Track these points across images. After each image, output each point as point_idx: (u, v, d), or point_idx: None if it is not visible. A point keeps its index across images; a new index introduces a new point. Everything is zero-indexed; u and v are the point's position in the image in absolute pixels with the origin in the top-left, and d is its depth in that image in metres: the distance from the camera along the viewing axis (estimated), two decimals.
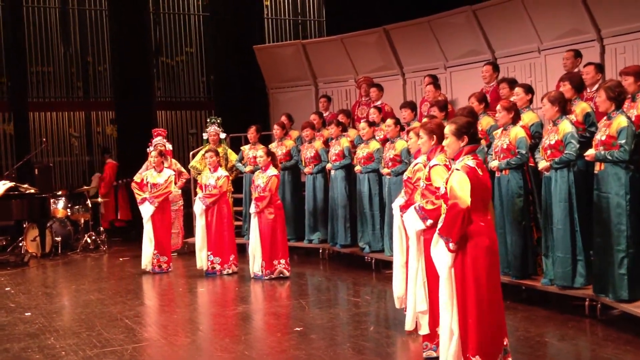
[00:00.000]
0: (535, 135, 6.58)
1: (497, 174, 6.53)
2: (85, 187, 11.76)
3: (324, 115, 10.31)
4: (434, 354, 4.94)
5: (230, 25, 13.96)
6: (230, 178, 9.59)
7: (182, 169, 10.47)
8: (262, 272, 8.17)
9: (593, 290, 5.87)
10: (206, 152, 9.14)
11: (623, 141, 5.45)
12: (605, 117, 5.70)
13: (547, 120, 6.29)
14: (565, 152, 5.93)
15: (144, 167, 9.79)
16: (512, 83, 7.36)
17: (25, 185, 10.37)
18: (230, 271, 8.63)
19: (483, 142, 6.67)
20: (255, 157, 9.47)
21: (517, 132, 6.41)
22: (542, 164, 6.12)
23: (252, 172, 9.45)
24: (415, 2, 11.02)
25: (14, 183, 6.19)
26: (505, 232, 6.48)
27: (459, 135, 4.50)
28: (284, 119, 10.32)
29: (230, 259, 8.68)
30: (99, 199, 11.66)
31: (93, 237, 11.17)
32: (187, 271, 9.06)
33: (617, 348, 5.17)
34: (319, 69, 11.85)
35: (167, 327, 6.54)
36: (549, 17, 8.50)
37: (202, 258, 8.68)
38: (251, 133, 10.01)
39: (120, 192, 12.14)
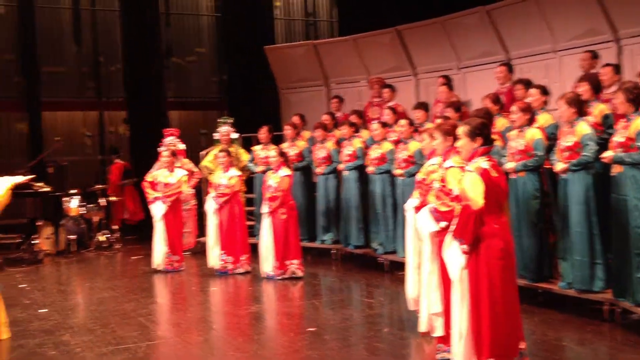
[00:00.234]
0: (551, 136, 6.54)
1: (511, 176, 6.50)
2: (97, 186, 11.82)
3: (336, 115, 10.31)
4: (448, 356, 4.90)
5: (241, 26, 13.98)
6: (242, 178, 9.61)
7: (194, 169, 10.49)
8: (274, 272, 8.17)
9: (612, 294, 5.82)
10: (219, 152, 9.16)
11: None
12: (623, 119, 5.66)
13: (563, 121, 6.25)
14: (583, 153, 5.90)
15: (155, 166, 9.82)
16: (527, 84, 7.33)
17: (40, 184, 10.43)
18: (242, 270, 8.64)
19: (498, 143, 6.64)
20: (267, 158, 9.51)
21: (534, 134, 6.38)
22: (559, 166, 6.08)
23: (264, 172, 9.45)
24: (428, 2, 11.00)
25: (33, 176, 6.23)
26: (521, 235, 6.44)
27: (473, 137, 4.48)
28: (295, 119, 10.32)
29: (243, 258, 8.68)
30: (113, 198, 11.71)
31: (106, 236, 11.22)
32: (200, 270, 9.08)
33: (637, 353, 5.13)
34: (331, 69, 11.84)
35: (180, 325, 6.56)
36: (565, 18, 8.46)
37: (214, 257, 8.70)
38: (263, 133, 10.01)
39: (127, 192, 12.15)
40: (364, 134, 9.37)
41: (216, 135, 10.49)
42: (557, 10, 8.52)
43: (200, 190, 10.78)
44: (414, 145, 7.97)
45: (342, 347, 5.52)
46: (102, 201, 11.39)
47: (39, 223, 10.52)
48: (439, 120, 7.07)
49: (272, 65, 12.41)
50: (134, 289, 8.02)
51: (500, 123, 7.11)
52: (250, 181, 10.23)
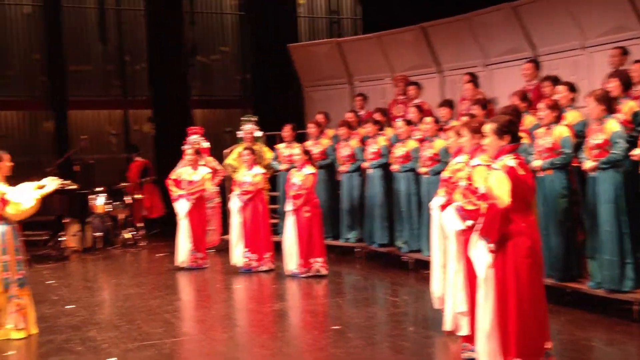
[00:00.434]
0: (579, 134, 6.45)
1: (539, 174, 6.42)
2: (123, 184, 11.92)
3: (360, 113, 10.28)
4: (473, 355, 4.85)
5: (265, 24, 14.01)
6: (266, 176, 9.62)
7: (218, 167, 10.53)
8: (299, 270, 8.17)
9: None
10: (243, 149, 9.19)
11: None
12: None
13: (592, 119, 6.16)
14: (613, 151, 5.81)
15: (180, 164, 9.87)
16: (555, 81, 7.24)
17: (67, 181, 10.54)
18: (266, 268, 8.65)
19: (525, 141, 6.55)
20: (290, 156, 9.51)
21: (562, 131, 6.30)
22: (588, 164, 6.00)
23: (288, 170, 9.46)
24: None
25: (60, 181, 6.31)
26: (549, 234, 6.36)
27: (500, 134, 4.45)
28: (319, 117, 10.30)
29: (266, 256, 8.69)
30: (138, 195, 11.80)
31: (132, 233, 11.32)
32: (224, 267, 9.11)
33: None
34: (355, 67, 11.81)
35: (205, 322, 6.60)
36: (593, 14, 8.34)
37: (237, 254, 8.72)
38: (286, 131, 10.01)
39: (145, 189, 12.23)
40: (388, 131, 9.32)
41: (240, 134, 10.51)
42: (586, 6, 8.40)
43: (224, 188, 10.82)
44: (439, 143, 7.92)
45: (366, 345, 5.51)
46: (128, 199, 11.50)
47: (66, 220, 10.64)
48: (464, 118, 7.01)
49: (296, 63, 12.41)
50: (159, 286, 8.08)
51: (528, 120, 7.02)
52: (274, 179, 10.24)
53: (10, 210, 5.85)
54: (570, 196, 6.37)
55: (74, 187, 10.49)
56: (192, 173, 9.21)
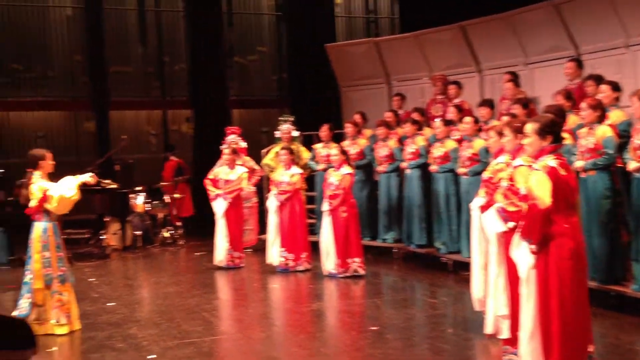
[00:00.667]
0: (623, 134, 6.30)
1: (581, 175, 6.30)
2: (162, 184, 12.07)
3: (398, 113, 10.22)
4: (515, 358, 4.80)
5: (302, 24, 14.05)
6: (304, 176, 9.63)
7: (256, 166, 10.58)
8: (336, 270, 8.16)
9: None
10: (281, 149, 9.21)
11: None
12: None
13: (636, 118, 6.01)
14: None
15: (218, 164, 9.95)
16: (598, 80, 7.09)
17: (107, 181, 10.72)
18: (303, 268, 8.66)
19: (568, 141, 6.43)
20: (328, 156, 9.49)
21: (605, 131, 6.17)
22: (633, 165, 5.86)
23: (325, 170, 9.45)
24: None
25: (94, 180, 6.41)
26: (591, 235, 6.23)
27: (542, 135, 4.39)
28: (357, 117, 10.27)
29: (303, 256, 8.70)
30: (176, 195, 11.93)
31: (170, 232, 11.45)
32: (261, 267, 9.15)
33: None
34: (392, 66, 11.75)
35: (243, 321, 6.64)
36: (637, 11, 8.14)
37: (274, 254, 8.75)
38: (324, 131, 10.01)
39: (179, 189, 12.35)
40: (427, 131, 9.25)
41: (277, 133, 10.54)
42: (630, 4, 8.21)
43: (262, 187, 10.87)
44: (478, 143, 7.82)
45: (405, 346, 5.47)
46: (167, 198, 11.63)
47: (107, 219, 10.82)
48: (505, 118, 6.91)
49: (333, 63, 12.40)
50: (198, 285, 8.15)
51: (571, 120, 6.89)
52: (310, 179, 10.25)
53: (53, 204, 5.96)
54: (613, 197, 6.24)
55: (114, 186, 10.67)
56: (229, 172, 9.27)
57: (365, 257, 8.40)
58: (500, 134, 5.38)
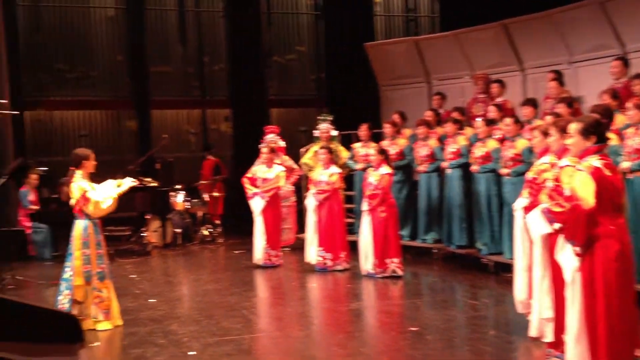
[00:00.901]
0: None
1: (628, 176, 6.15)
2: (201, 182, 12.19)
3: (439, 112, 10.12)
4: None
5: (341, 23, 14.03)
6: (342, 175, 9.60)
7: (294, 166, 10.60)
8: (374, 270, 8.12)
9: None
10: (320, 148, 9.20)
11: None
12: None
13: None
14: None
15: (256, 163, 9.99)
16: None
17: (148, 179, 10.87)
18: (341, 267, 8.64)
19: (614, 142, 6.28)
20: (366, 155, 9.47)
21: None
22: None
23: (364, 169, 9.42)
24: None
25: (136, 181, 6.53)
26: (638, 237, 6.07)
27: (586, 135, 4.33)
28: (396, 117, 10.21)
29: (341, 255, 8.68)
30: (215, 194, 12.02)
31: (209, 230, 11.54)
32: (299, 266, 9.16)
33: None
34: (432, 65, 11.65)
35: (282, 319, 6.64)
36: None
37: (312, 253, 8.75)
38: (363, 131, 9.97)
39: (217, 188, 12.45)
40: (468, 131, 9.15)
41: (316, 133, 10.55)
42: None
43: (300, 187, 10.89)
44: (521, 143, 7.69)
45: (445, 347, 5.41)
46: (205, 196, 11.73)
47: (148, 217, 10.96)
48: (549, 117, 6.79)
49: (372, 62, 12.35)
50: (237, 283, 8.19)
51: (618, 120, 6.72)
52: (349, 178, 10.22)
53: (90, 207, 6.06)
54: None
55: (155, 184, 10.81)
56: (266, 171, 9.29)
57: (403, 258, 8.34)
58: (545, 133, 5.30)
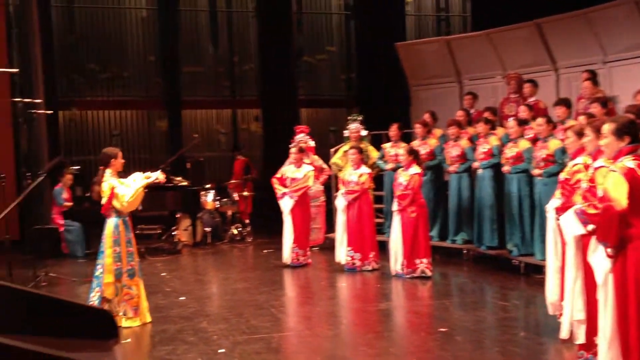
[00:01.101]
0: None
1: None
2: (231, 181, 12.26)
3: (470, 112, 10.04)
4: None
5: (372, 23, 13.99)
6: (372, 175, 9.58)
7: (324, 165, 10.60)
8: (403, 270, 8.08)
9: None
10: (350, 148, 9.19)
11: None
12: None
13: None
14: None
15: (286, 163, 10.02)
16: None
17: (179, 178, 10.98)
18: (370, 268, 8.62)
19: None
20: (396, 155, 9.43)
21: None
22: None
23: (393, 169, 9.39)
24: None
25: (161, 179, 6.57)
26: None
27: (620, 135, 4.27)
28: (426, 116, 10.15)
29: (371, 255, 8.66)
30: (245, 193, 12.09)
31: (239, 229, 11.61)
32: (328, 266, 9.16)
33: None
34: (464, 65, 11.56)
35: (311, 318, 6.65)
36: None
37: (342, 253, 8.74)
38: (393, 131, 9.94)
39: (247, 187, 12.50)
40: (499, 131, 9.06)
41: (346, 133, 10.53)
42: None
43: (330, 186, 10.89)
44: (554, 144, 7.59)
45: (475, 349, 5.36)
46: (235, 196, 11.80)
47: (178, 215, 11.07)
48: (582, 118, 6.70)
49: (403, 61, 12.30)
50: (266, 281, 8.22)
51: None
52: (378, 178, 10.20)
53: (118, 203, 6.13)
54: None
55: (185, 183, 10.91)
56: (295, 171, 9.31)
57: (433, 258, 8.30)
58: (579, 134, 5.22)
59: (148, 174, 6.36)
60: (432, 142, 9.76)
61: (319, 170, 10.36)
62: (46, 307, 3.15)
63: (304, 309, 7.16)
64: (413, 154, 8.35)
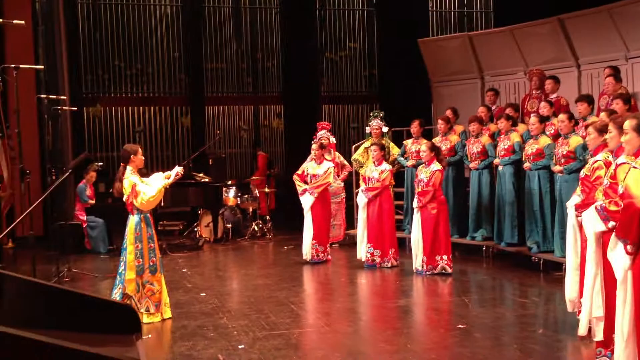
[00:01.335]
0: None
1: None
2: (252, 178, 12.34)
3: (492, 109, 9.99)
4: None
5: (395, 19, 13.95)
6: (392, 172, 9.59)
7: (345, 162, 10.63)
8: (423, 267, 8.09)
9: None
10: (371, 145, 9.21)
11: None
12: None
13: None
14: None
15: (308, 159, 10.06)
16: None
17: (201, 174, 11.07)
18: (389, 264, 8.63)
19: None
20: (418, 152, 9.42)
21: None
22: None
23: (414, 166, 9.39)
24: None
25: (183, 169, 6.60)
26: None
27: None
28: (448, 113, 10.12)
29: (390, 252, 8.68)
30: (266, 189, 12.16)
31: (259, 225, 11.68)
32: (348, 262, 9.19)
33: None
34: (486, 61, 11.50)
35: (330, 315, 6.67)
36: None
37: (363, 250, 8.77)
38: (414, 127, 9.94)
39: (271, 182, 12.57)
40: (521, 127, 9.00)
41: (367, 129, 10.54)
42: None
43: (351, 183, 10.91)
44: (575, 140, 7.53)
45: (493, 345, 5.36)
46: (257, 192, 11.87)
47: (200, 212, 11.16)
48: (603, 114, 6.64)
49: (425, 58, 12.26)
50: (286, 278, 8.27)
51: None
52: (399, 175, 10.20)
53: (138, 201, 6.21)
54: None
55: (207, 180, 11.00)
56: (315, 167, 9.34)
57: (453, 255, 8.29)
58: (600, 131, 5.19)
59: (168, 173, 6.42)
60: (454, 138, 9.74)
61: (340, 167, 10.39)
62: (69, 302, 3.18)
63: (324, 305, 7.20)
64: (434, 150, 8.34)
